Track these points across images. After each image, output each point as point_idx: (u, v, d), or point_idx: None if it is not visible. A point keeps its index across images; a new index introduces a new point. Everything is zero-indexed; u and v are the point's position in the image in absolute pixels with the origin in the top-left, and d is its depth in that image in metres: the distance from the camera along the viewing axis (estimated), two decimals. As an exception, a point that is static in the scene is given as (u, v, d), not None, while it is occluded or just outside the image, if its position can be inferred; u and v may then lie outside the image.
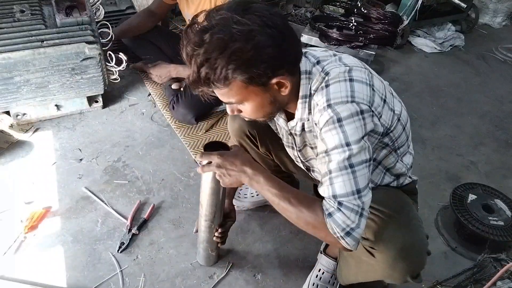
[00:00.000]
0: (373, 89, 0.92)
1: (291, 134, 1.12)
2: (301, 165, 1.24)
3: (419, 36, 3.05)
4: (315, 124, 0.95)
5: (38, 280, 1.33)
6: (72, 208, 1.58)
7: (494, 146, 2.14)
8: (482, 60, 2.96)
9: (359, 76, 0.92)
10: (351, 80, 0.91)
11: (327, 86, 0.91)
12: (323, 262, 1.36)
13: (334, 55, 1.00)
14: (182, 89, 2.05)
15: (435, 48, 2.96)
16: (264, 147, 1.35)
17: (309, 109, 0.97)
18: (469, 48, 3.05)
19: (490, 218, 1.51)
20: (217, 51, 0.80)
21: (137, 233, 1.50)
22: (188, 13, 1.95)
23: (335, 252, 1.35)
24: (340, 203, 0.86)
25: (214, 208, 1.21)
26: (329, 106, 0.89)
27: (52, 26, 1.75)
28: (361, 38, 2.51)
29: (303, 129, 1.05)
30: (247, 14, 0.82)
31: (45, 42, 1.70)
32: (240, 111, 0.98)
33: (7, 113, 1.88)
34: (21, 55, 1.65)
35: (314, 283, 1.34)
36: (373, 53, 2.52)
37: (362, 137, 0.88)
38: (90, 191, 1.64)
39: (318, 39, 2.57)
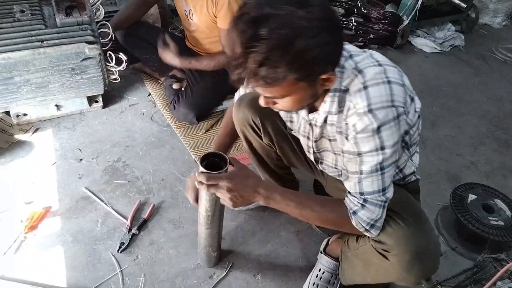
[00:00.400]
0: (405, 89, 0.91)
1: (310, 124, 1.08)
2: (311, 156, 1.21)
3: (419, 36, 3.04)
4: (346, 123, 0.93)
5: (38, 280, 1.33)
6: (72, 208, 1.58)
7: (494, 146, 2.13)
8: (482, 60, 2.95)
9: (394, 78, 0.90)
10: (389, 82, 0.88)
11: (365, 87, 0.88)
12: (324, 262, 1.35)
13: (364, 51, 0.97)
14: (183, 88, 2.05)
15: (435, 48, 2.95)
16: (268, 138, 1.32)
17: (339, 104, 0.94)
18: (469, 48, 3.05)
19: (490, 218, 1.51)
20: (279, 50, 0.73)
21: (137, 233, 1.50)
22: (185, 5, 1.90)
23: (335, 252, 1.34)
24: (365, 200, 0.93)
25: (213, 217, 1.19)
26: (370, 111, 0.86)
27: (52, 26, 1.75)
28: (361, 38, 2.52)
29: (324, 121, 1.02)
30: (307, 7, 0.74)
31: (45, 42, 1.70)
32: (275, 103, 0.91)
33: (7, 113, 1.88)
34: (21, 55, 1.65)
35: (314, 283, 1.34)
36: (373, 53, 2.52)
37: (397, 141, 0.90)
38: (90, 191, 1.64)
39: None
